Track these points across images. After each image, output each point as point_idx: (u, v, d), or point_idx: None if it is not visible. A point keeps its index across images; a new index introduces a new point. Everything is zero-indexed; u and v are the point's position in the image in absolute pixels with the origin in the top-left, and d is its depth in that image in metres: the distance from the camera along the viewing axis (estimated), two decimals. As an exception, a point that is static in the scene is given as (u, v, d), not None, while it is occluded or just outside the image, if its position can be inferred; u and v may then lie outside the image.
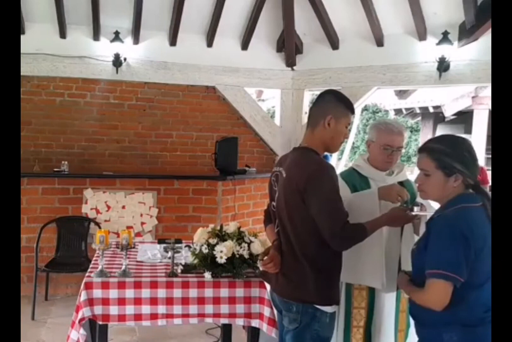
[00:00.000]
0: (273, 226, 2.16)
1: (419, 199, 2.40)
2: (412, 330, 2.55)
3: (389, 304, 2.40)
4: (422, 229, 2.32)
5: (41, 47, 4.77)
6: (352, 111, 2.08)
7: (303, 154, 2.02)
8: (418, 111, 10.16)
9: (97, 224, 4.31)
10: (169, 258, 2.55)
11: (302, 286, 1.97)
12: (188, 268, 2.52)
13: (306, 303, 1.96)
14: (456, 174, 1.69)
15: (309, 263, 1.96)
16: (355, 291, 2.40)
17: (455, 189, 1.72)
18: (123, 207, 4.50)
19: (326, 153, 2.13)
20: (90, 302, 2.38)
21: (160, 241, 2.85)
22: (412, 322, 2.54)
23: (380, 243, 2.29)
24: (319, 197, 1.88)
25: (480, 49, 4.36)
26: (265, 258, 2.11)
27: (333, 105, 2.03)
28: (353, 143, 10.98)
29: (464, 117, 10.14)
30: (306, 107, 5.47)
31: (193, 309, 2.43)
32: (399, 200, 2.19)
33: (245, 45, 5.32)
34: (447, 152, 1.71)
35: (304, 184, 1.89)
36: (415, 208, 2.15)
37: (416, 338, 2.60)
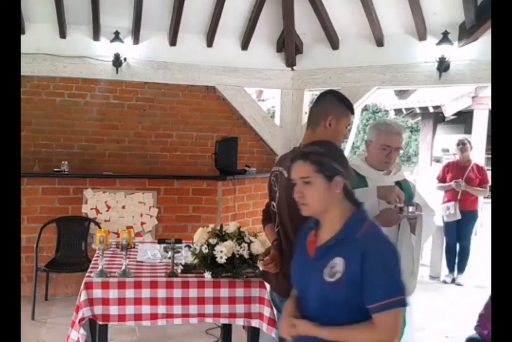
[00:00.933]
0: (273, 225, 2.16)
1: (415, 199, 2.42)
2: (408, 328, 2.56)
3: None
4: (421, 228, 2.33)
5: (41, 47, 4.77)
6: (352, 111, 2.09)
7: None
8: (418, 111, 10.13)
9: (97, 224, 4.31)
10: (169, 258, 2.55)
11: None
12: (188, 268, 2.52)
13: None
14: (336, 177, 1.54)
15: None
16: None
17: (338, 196, 1.56)
18: (123, 207, 4.50)
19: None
20: (90, 302, 2.38)
21: (160, 241, 2.85)
22: (408, 320, 2.55)
23: None
24: None
25: (480, 49, 4.36)
26: (266, 258, 2.11)
27: (334, 105, 2.04)
28: (353, 143, 10.99)
29: (464, 117, 10.12)
30: (306, 107, 5.47)
31: (193, 309, 2.43)
32: (397, 201, 2.20)
33: (245, 45, 5.32)
34: (324, 153, 1.56)
35: None
36: (411, 208, 2.16)
37: (412, 337, 2.61)
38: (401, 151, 2.50)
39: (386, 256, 1.48)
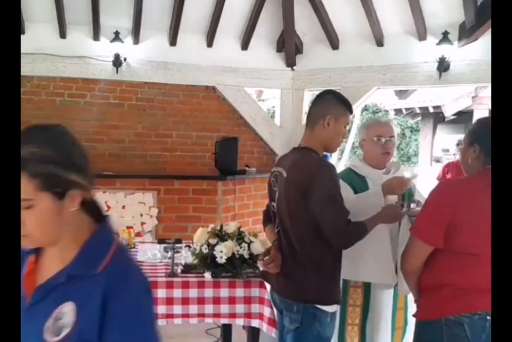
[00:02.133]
0: (273, 226, 2.16)
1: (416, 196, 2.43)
2: (410, 327, 2.57)
3: (386, 301, 2.41)
4: None
5: (41, 47, 4.77)
6: (350, 111, 2.09)
7: (303, 154, 2.03)
8: (418, 111, 10.15)
9: (97, 224, 4.31)
10: (169, 258, 2.55)
11: (302, 285, 1.97)
12: (188, 268, 2.52)
13: (306, 303, 1.96)
14: (70, 191, 1.00)
15: (309, 262, 1.96)
16: (350, 289, 2.40)
17: (73, 213, 1.03)
18: (123, 207, 4.50)
19: (325, 153, 2.14)
20: (90, 302, 2.38)
21: (160, 241, 2.85)
22: (410, 319, 2.57)
23: (387, 239, 2.30)
24: (321, 196, 1.88)
25: (480, 49, 4.36)
26: (266, 258, 2.11)
27: (333, 105, 2.05)
28: (353, 143, 10.98)
29: (464, 117, 10.13)
30: (306, 107, 5.47)
31: (193, 309, 2.43)
32: (403, 189, 2.21)
33: (245, 45, 5.32)
34: (52, 157, 0.97)
35: (306, 184, 1.90)
36: (412, 205, 2.18)
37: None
38: (396, 142, 2.51)
39: (137, 302, 1.00)
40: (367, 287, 2.40)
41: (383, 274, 2.32)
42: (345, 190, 2.30)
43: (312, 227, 1.92)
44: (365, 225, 1.96)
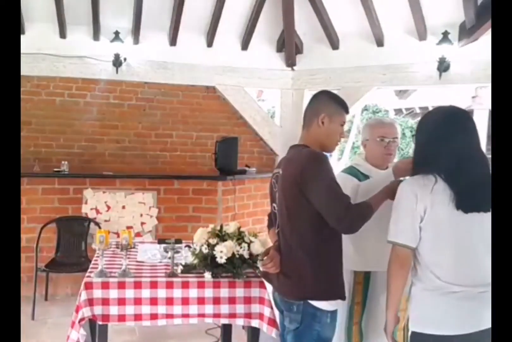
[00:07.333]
0: (275, 228, 2.16)
1: None
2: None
3: (383, 299, 2.40)
4: None
5: (41, 47, 4.77)
6: (345, 110, 2.09)
7: (296, 150, 2.05)
8: (418, 111, 10.17)
9: (97, 224, 4.31)
10: (169, 258, 2.55)
11: (300, 282, 1.96)
12: (188, 268, 2.52)
13: (303, 299, 1.95)
14: None
15: (307, 258, 1.95)
16: (356, 286, 2.41)
17: None
18: (123, 207, 4.50)
19: (324, 153, 2.13)
20: (90, 302, 2.38)
21: (160, 241, 2.85)
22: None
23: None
24: (317, 184, 1.87)
25: (480, 49, 4.36)
26: (265, 258, 2.11)
27: (326, 104, 2.06)
28: (353, 143, 10.99)
29: (464, 117, 10.14)
30: (306, 107, 5.47)
31: (193, 309, 2.43)
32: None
33: (245, 45, 5.32)
34: None
35: (301, 175, 1.89)
36: None
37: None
38: (398, 142, 2.50)
39: None
40: (365, 285, 2.40)
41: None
42: (350, 180, 2.33)
43: (309, 221, 1.92)
44: (368, 204, 1.91)
